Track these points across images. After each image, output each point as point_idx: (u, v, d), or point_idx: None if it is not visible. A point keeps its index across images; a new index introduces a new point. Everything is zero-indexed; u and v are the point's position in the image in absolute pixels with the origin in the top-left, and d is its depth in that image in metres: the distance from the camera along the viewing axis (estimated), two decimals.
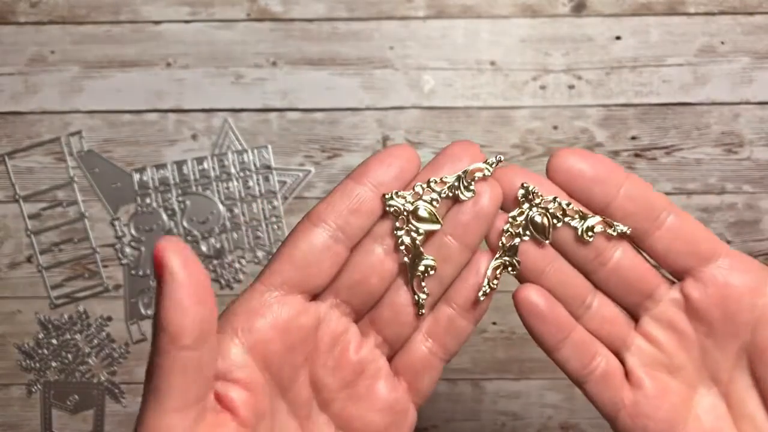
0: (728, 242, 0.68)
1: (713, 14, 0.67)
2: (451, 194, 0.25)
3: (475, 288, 0.26)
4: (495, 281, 0.25)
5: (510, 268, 0.25)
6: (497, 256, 0.25)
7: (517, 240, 0.25)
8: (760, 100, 0.67)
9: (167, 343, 0.20)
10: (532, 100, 0.67)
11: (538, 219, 0.25)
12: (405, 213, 0.24)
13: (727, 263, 0.25)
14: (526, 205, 0.25)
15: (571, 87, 0.67)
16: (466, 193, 0.25)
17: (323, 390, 0.25)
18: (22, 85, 0.68)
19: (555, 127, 0.68)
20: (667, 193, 0.68)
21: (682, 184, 0.68)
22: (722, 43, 0.67)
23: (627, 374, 0.27)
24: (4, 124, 0.68)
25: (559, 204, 0.25)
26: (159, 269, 0.20)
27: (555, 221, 0.25)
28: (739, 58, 0.67)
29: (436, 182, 0.25)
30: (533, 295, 0.25)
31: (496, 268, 0.25)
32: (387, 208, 0.24)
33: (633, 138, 0.68)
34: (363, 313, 0.26)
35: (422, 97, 0.68)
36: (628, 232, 0.25)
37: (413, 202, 0.24)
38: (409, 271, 0.25)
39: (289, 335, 0.24)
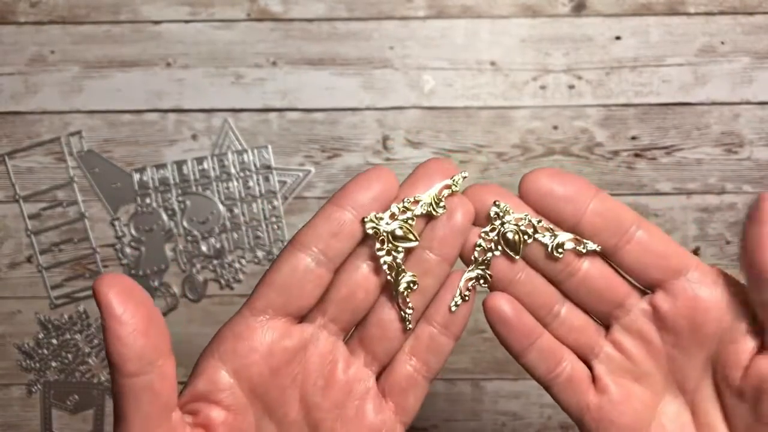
0: (728, 242, 0.68)
1: (713, 14, 0.67)
2: (425, 212, 0.26)
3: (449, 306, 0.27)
4: (467, 293, 0.26)
5: (482, 281, 0.26)
6: (470, 269, 0.26)
7: (489, 254, 0.26)
8: (760, 100, 0.67)
9: (114, 373, 0.21)
10: (532, 100, 0.67)
11: (509, 235, 0.26)
12: (384, 234, 0.25)
13: (697, 276, 0.26)
14: (498, 222, 0.26)
15: (571, 87, 0.67)
16: (438, 210, 0.26)
17: (313, 410, 0.26)
18: (22, 85, 0.68)
19: (555, 127, 0.68)
20: (667, 193, 0.68)
21: (682, 184, 0.68)
22: (722, 43, 0.67)
23: (594, 380, 0.28)
24: (4, 124, 0.68)
25: (530, 221, 0.26)
26: (99, 306, 0.21)
27: (526, 237, 0.26)
28: (739, 58, 0.67)
29: (410, 202, 0.26)
30: (501, 302, 0.26)
31: (468, 281, 0.26)
32: (367, 231, 0.25)
33: (633, 138, 0.68)
34: (350, 331, 0.27)
35: (422, 97, 0.68)
36: (598, 249, 0.26)
37: (390, 222, 0.25)
38: (393, 289, 0.26)
39: (274, 358, 0.25)
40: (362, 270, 0.26)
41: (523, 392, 0.69)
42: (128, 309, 0.21)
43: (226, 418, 0.24)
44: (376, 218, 0.25)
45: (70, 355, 0.69)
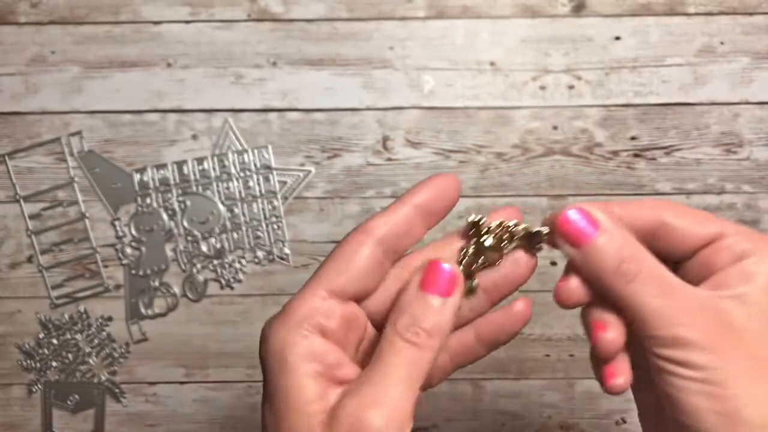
0: None
1: (713, 14, 0.67)
2: (516, 244, 0.27)
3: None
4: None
5: (469, 293, 0.27)
6: (464, 249, 0.27)
7: (474, 266, 0.27)
8: (759, 100, 0.67)
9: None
10: (532, 100, 0.68)
11: (488, 243, 0.27)
12: (478, 238, 0.27)
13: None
14: (475, 238, 0.27)
15: (571, 87, 0.67)
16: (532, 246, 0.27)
17: None
18: (23, 85, 0.68)
19: (555, 128, 0.68)
20: (667, 194, 0.68)
21: (681, 184, 0.68)
22: (722, 43, 0.67)
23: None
24: (4, 124, 0.68)
25: (506, 227, 0.27)
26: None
27: (505, 244, 0.27)
28: (739, 58, 0.67)
29: (514, 225, 0.27)
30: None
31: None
32: (470, 220, 0.27)
33: (632, 138, 0.68)
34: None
35: (422, 97, 0.68)
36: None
37: (486, 234, 0.27)
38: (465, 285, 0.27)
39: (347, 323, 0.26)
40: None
41: (523, 392, 0.69)
42: None
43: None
44: (482, 224, 0.27)
45: (70, 355, 0.70)
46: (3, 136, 0.68)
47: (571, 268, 0.27)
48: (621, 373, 0.27)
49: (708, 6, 0.67)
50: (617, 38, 0.67)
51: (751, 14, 0.67)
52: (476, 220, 0.27)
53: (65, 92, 0.68)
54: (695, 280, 0.26)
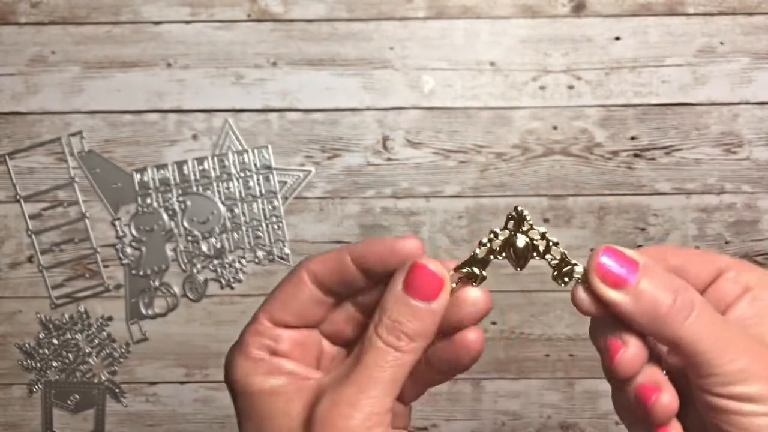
0: (727, 242, 0.68)
1: (712, 15, 0.67)
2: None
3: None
4: (453, 285, 0.25)
5: (473, 280, 0.25)
6: (465, 261, 0.25)
7: (492, 257, 0.25)
8: (759, 100, 0.67)
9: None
10: (531, 100, 0.68)
11: (520, 244, 0.25)
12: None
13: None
14: (512, 229, 0.25)
15: (571, 87, 0.68)
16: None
17: None
18: (23, 85, 0.68)
19: (555, 128, 0.68)
20: (667, 194, 0.68)
21: (681, 184, 0.68)
22: (721, 43, 0.67)
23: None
24: (5, 124, 0.68)
25: (547, 240, 0.25)
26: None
27: (535, 254, 0.25)
28: (739, 59, 0.67)
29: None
30: None
31: (460, 275, 0.25)
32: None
33: (632, 138, 0.68)
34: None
35: (422, 97, 0.68)
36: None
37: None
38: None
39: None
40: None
41: (523, 392, 0.69)
42: None
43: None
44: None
45: (70, 355, 0.70)
46: (3, 136, 0.68)
47: (612, 326, 0.24)
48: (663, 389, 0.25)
49: (708, 6, 0.67)
50: (617, 38, 0.67)
51: (750, 14, 0.67)
52: (523, 214, 0.25)
53: (65, 92, 0.68)
54: None
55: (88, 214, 0.69)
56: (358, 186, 0.68)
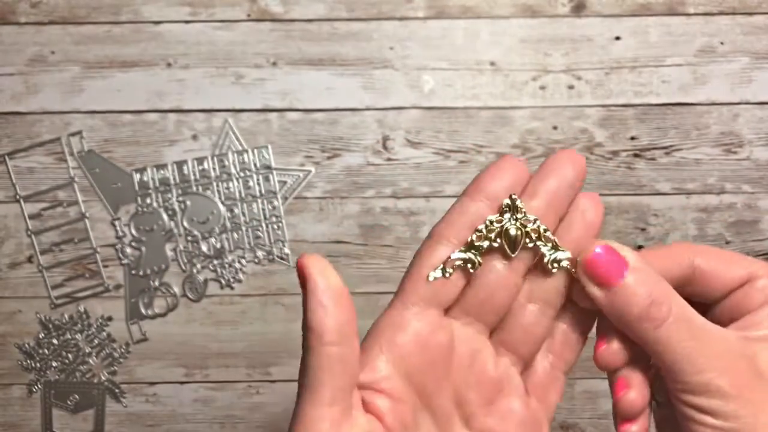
0: (727, 242, 0.68)
1: (712, 14, 0.67)
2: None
3: (582, 310, 0.27)
4: (450, 270, 0.26)
5: (470, 265, 0.26)
6: (462, 249, 0.26)
7: (486, 243, 0.26)
8: (759, 100, 0.67)
9: (313, 340, 0.23)
10: (531, 100, 0.68)
11: (512, 231, 0.26)
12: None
13: None
14: (507, 215, 0.26)
15: (571, 87, 0.67)
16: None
17: (465, 405, 0.26)
18: (23, 85, 0.68)
19: (555, 128, 0.68)
20: (667, 194, 0.68)
21: (681, 184, 0.68)
22: (721, 43, 0.67)
23: None
24: (4, 124, 0.68)
25: (538, 226, 0.26)
26: (303, 278, 0.23)
27: (527, 240, 0.26)
28: (739, 58, 0.67)
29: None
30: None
31: (456, 259, 0.26)
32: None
33: (632, 138, 0.68)
34: (494, 329, 0.27)
35: (422, 97, 0.68)
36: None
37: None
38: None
39: (429, 350, 0.26)
40: (500, 270, 0.26)
41: None
42: (330, 283, 0.23)
43: (392, 407, 0.25)
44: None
45: (70, 355, 0.70)
46: (3, 136, 0.68)
47: (602, 324, 0.26)
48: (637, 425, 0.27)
49: (708, 6, 0.67)
50: (617, 38, 0.67)
51: (750, 14, 0.67)
52: (516, 202, 0.26)
53: (65, 92, 0.68)
54: (725, 322, 0.26)
55: (87, 214, 0.69)
56: (358, 186, 0.68)
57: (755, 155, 0.68)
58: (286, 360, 0.69)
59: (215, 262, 0.69)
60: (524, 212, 0.26)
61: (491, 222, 0.26)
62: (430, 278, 0.26)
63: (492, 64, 0.67)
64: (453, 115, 0.68)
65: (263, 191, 0.68)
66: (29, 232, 0.69)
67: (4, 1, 0.68)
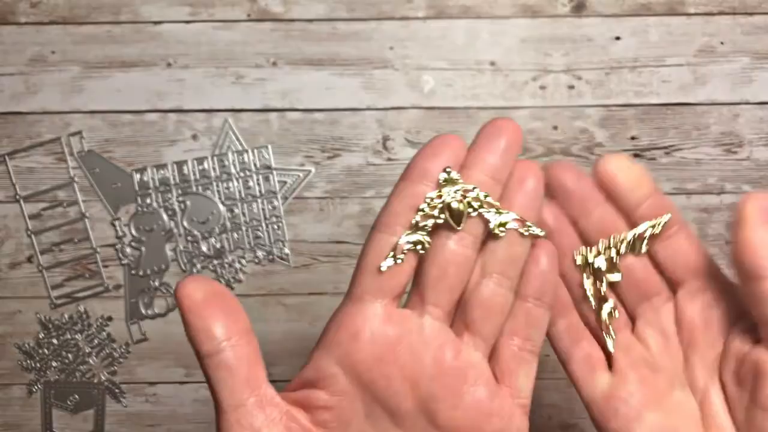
0: (727, 242, 0.68)
1: (713, 14, 0.67)
2: (628, 250, 0.29)
3: (540, 276, 0.27)
4: (401, 256, 0.25)
5: (419, 247, 0.26)
6: (409, 233, 0.26)
7: (430, 221, 0.25)
8: (759, 100, 0.67)
9: (197, 356, 0.24)
10: (532, 100, 0.68)
11: (454, 205, 0.25)
12: (591, 267, 0.29)
13: (718, 283, 0.28)
14: (445, 189, 0.25)
15: (571, 87, 0.67)
16: (642, 248, 0.28)
17: (428, 400, 0.25)
18: (23, 85, 0.68)
19: (555, 128, 0.68)
20: (667, 193, 0.68)
21: (681, 184, 0.68)
22: (722, 43, 0.67)
23: (611, 365, 0.29)
24: (4, 124, 0.68)
25: (478, 194, 0.26)
26: (178, 303, 0.24)
27: (471, 210, 0.26)
28: (739, 58, 0.67)
29: (617, 240, 0.29)
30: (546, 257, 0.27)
31: (405, 243, 0.26)
32: (576, 262, 0.29)
33: (633, 138, 0.68)
34: (452, 313, 0.27)
35: (422, 97, 0.68)
36: (542, 234, 0.26)
37: (596, 255, 0.29)
38: (596, 316, 0.29)
39: (376, 345, 0.25)
40: (449, 245, 0.26)
41: None
42: (200, 301, 0.24)
43: (328, 401, 0.25)
44: (585, 252, 0.29)
45: (70, 355, 0.70)
46: (3, 136, 0.68)
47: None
48: None
49: (708, 6, 0.67)
50: (617, 38, 0.67)
51: (751, 14, 0.67)
52: (452, 175, 0.25)
53: (65, 92, 0.68)
54: None
55: (87, 214, 0.69)
56: (358, 186, 0.68)
57: (755, 155, 0.68)
58: (287, 360, 0.69)
59: (215, 262, 0.69)
60: (462, 183, 0.25)
61: (432, 199, 0.25)
62: (383, 268, 0.25)
63: (492, 64, 0.67)
64: (453, 115, 0.68)
65: (263, 191, 0.68)
66: (29, 232, 0.69)
67: (4, 1, 0.68)
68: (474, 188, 0.25)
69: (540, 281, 0.27)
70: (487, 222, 0.26)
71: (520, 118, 0.68)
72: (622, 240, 0.28)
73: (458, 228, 0.25)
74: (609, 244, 0.28)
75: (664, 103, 0.67)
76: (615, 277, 0.29)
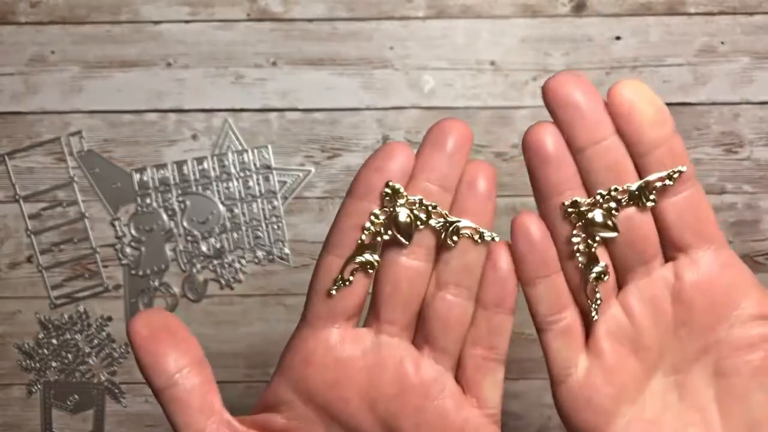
0: (728, 242, 0.68)
1: (713, 14, 0.67)
2: (631, 202, 0.25)
3: (499, 282, 0.25)
4: (350, 278, 0.25)
5: (368, 267, 0.25)
6: (353, 254, 0.25)
7: (378, 239, 0.25)
8: (760, 100, 0.67)
9: (150, 387, 0.25)
10: (532, 100, 0.68)
11: (402, 218, 0.24)
12: (584, 220, 0.25)
13: (725, 253, 0.25)
14: (391, 204, 0.24)
15: None
16: (648, 202, 0.24)
17: (390, 419, 0.25)
18: (23, 85, 0.68)
19: None
20: None
21: None
22: (722, 43, 0.67)
23: (589, 342, 0.26)
24: (4, 124, 0.68)
25: (426, 206, 0.24)
26: (128, 339, 0.25)
27: (418, 223, 0.24)
28: (739, 58, 0.67)
29: (619, 191, 0.24)
30: (529, 219, 0.25)
31: (352, 264, 0.25)
32: (569, 213, 0.25)
33: None
34: (412, 328, 0.26)
35: (422, 97, 0.68)
36: (497, 239, 0.25)
37: (591, 209, 0.25)
38: (584, 277, 0.25)
39: (328, 370, 0.25)
40: (399, 261, 0.25)
41: (523, 392, 0.69)
42: (148, 337, 0.24)
43: (286, 425, 0.25)
44: (578, 203, 0.25)
45: (70, 355, 0.69)
46: (3, 136, 0.68)
47: None
48: None
49: (708, 6, 0.67)
50: (617, 38, 0.67)
51: (751, 14, 0.67)
52: (396, 187, 0.24)
53: (65, 92, 0.68)
54: None
55: (87, 214, 0.69)
56: None
57: (756, 155, 0.68)
58: None
59: (215, 262, 0.69)
60: (406, 196, 0.24)
61: (377, 216, 0.24)
62: (333, 292, 0.25)
63: (492, 63, 0.67)
64: (453, 115, 0.68)
65: (263, 191, 0.68)
66: (29, 232, 0.69)
67: (4, 1, 0.67)
68: (421, 200, 0.24)
69: (499, 287, 0.25)
70: (437, 232, 0.25)
71: (520, 118, 0.68)
72: (626, 189, 0.24)
73: (406, 243, 0.24)
74: (609, 192, 0.24)
75: (664, 103, 0.67)
76: (610, 234, 0.25)
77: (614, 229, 0.25)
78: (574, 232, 0.25)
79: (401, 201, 0.24)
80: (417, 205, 0.24)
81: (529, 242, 0.25)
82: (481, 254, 0.25)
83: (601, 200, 0.24)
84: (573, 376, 0.26)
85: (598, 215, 0.24)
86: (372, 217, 0.24)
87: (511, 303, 0.25)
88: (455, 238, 0.25)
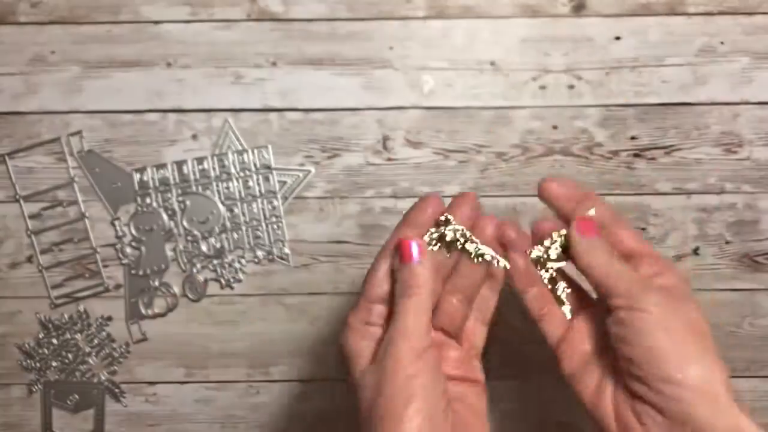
0: (727, 242, 0.68)
1: (713, 14, 0.67)
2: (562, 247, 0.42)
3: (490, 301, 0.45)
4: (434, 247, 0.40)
5: (438, 245, 0.40)
6: (430, 239, 0.40)
7: (430, 247, 0.40)
8: (759, 100, 0.67)
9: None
10: (532, 100, 0.68)
11: (448, 236, 0.40)
12: (544, 258, 0.41)
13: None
14: (442, 228, 0.40)
15: (571, 87, 0.67)
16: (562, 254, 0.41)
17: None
18: (23, 85, 0.68)
19: (555, 127, 0.68)
20: (667, 193, 0.68)
21: (681, 184, 0.68)
22: (722, 43, 0.67)
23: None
24: (4, 124, 0.68)
25: (464, 232, 0.40)
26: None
27: (462, 240, 0.40)
28: (739, 58, 0.67)
29: (559, 234, 0.41)
30: (520, 259, 0.42)
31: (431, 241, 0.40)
32: (532, 258, 0.41)
33: (632, 138, 0.68)
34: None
35: (422, 97, 0.68)
36: (507, 267, 0.41)
37: (546, 249, 0.41)
38: (554, 295, 0.42)
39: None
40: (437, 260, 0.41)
41: (523, 392, 0.69)
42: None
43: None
44: (536, 248, 0.42)
45: (70, 355, 0.70)
46: (3, 136, 0.68)
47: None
48: None
49: (708, 6, 0.67)
50: (617, 38, 0.67)
51: (751, 14, 0.67)
52: (448, 218, 0.40)
53: (65, 92, 0.68)
54: None
55: (87, 214, 0.69)
56: (358, 186, 0.68)
57: (755, 155, 0.68)
58: (287, 360, 0.69)
59: (215, 262, 0.69)
60: (454, 224, 0.40)
61: (432, 232, 0.40)
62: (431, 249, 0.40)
63: (492, 64, 0.67)
64: (453, 115, 0.68)
65: (263, 191, 0.68)
66: (29, 232, 0.69)
67: (4, 1, 0.67)
68: (463, 229, 0.40)
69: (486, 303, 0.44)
70: (468, 252, 0.40)
71: (520, 118, 0.68)
72: (560, 235, 0.40)
73: (448, 256, 0.40)
74: (551, 241, 0.40)
75: (664, 103, 0.67)
76: (559, 264, 0.41)
77: (561, 260, 0.41)
78: (539, 267, 0.42)
79: (450, 227, 0.39)
80: (460, 231, 0.40)
81: (520, 271, 0.42)
82: (483, 272, 0.41)
83: (549, 245, 0.41)
84: (563, 341, 0.42)
85: (552, 253, 0.41)
86: (431, 230, 0.40)
87: (498, 286, 0.44)
88: (480, 259, 0.40)
